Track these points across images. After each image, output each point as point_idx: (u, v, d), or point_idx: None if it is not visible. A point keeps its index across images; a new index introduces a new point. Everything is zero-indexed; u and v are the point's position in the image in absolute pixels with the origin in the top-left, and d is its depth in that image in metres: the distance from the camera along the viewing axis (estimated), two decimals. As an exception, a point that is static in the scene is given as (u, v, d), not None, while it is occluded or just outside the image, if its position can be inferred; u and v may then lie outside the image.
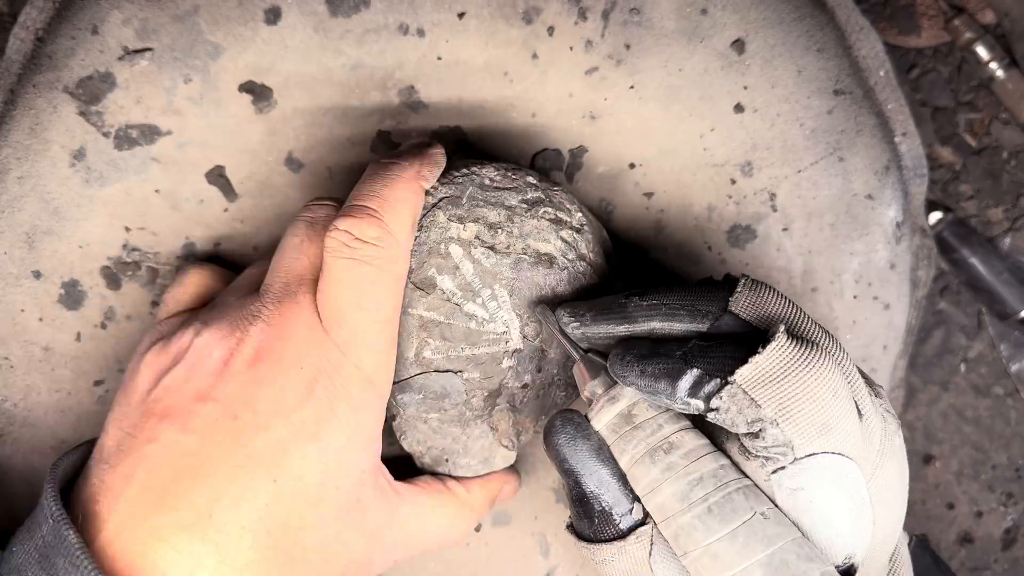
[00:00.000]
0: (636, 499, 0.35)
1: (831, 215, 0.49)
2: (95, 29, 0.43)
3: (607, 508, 0.35)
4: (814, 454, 0.31)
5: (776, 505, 0.32)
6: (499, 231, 0.39)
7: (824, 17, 0.48)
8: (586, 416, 0.36)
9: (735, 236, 0.49)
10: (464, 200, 0.40)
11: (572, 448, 0.35)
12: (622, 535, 0.35)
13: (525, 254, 0.40)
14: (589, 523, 0.36)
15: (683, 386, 0.32)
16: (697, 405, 0.32)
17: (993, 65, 0.59)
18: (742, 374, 0.31)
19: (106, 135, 0.44)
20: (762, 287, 0.35)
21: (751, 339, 0.32)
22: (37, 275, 0.45)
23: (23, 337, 0.45)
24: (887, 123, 0.50)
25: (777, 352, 0.31)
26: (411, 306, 0.39)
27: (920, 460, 0.64)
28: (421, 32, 0.44)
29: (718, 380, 0.32)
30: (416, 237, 0.39)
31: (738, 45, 0.47)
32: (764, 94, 0.47)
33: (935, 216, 0.60)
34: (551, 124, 0.46)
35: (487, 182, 0.40)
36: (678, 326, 0.35)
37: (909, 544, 0.41)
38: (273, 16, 0.43)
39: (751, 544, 0.31)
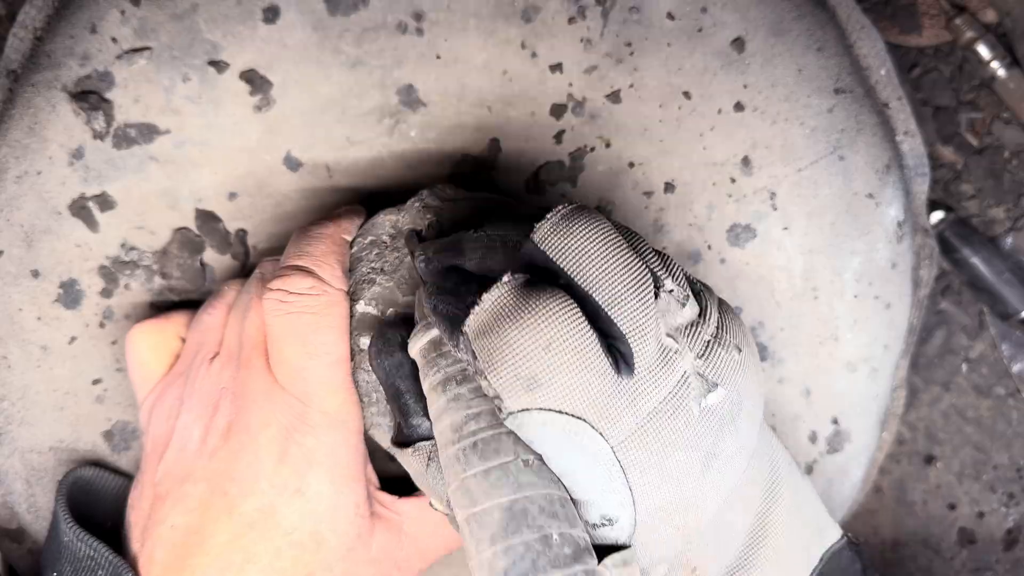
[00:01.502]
0: (426, 416, 0.35)
1: (832, 214, 0.49)
2: (93, 28, 0.43)
3: (400, 420, 0.37)
4: (526, 409, 0.30)
5: None
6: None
7: (825, 16, 0.48)
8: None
9: (735, 235, 0.49)
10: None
11: (385, 355, 0.37)
12: (407, 444, 0.36)
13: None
14: (395, 429, 0.38)
15: (446, 333, 0.32)
16: (456, 354, 0.32)
17: (995, 64, 0.58)
18: (468, 323, 0.30)
19: (105, 134, 0.43)
20: (575, 219, 0.31)
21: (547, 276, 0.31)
22: (35, 274, 0.45)
23: (21, 336, 0.45)
24: (888, 122, 0.49)
25: (493, 300, 0.30)
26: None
27: (921, 460, 0.64)
28: (420, 31, 0.44)
29: (459, 327, 0.31)
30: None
31: (738, 43, 0.46)
32: (764, 93, 0.47)
33: (936, 215, 0.60)
34: (550, 123, 0.46)
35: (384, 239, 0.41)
36: (494, 259, 0.33)
37: (833, 545, 0.39)
38: (272, 15, 0.43)
39: (499, 485, 0.30)
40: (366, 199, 0.46)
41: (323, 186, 0.46)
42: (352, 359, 0.39)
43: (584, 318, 0.29)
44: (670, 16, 0.45)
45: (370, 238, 0.41)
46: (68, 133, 0.43)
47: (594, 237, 0.30)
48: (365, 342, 0.39)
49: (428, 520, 0.41)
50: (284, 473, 0.37)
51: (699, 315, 0.32)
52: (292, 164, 0.45)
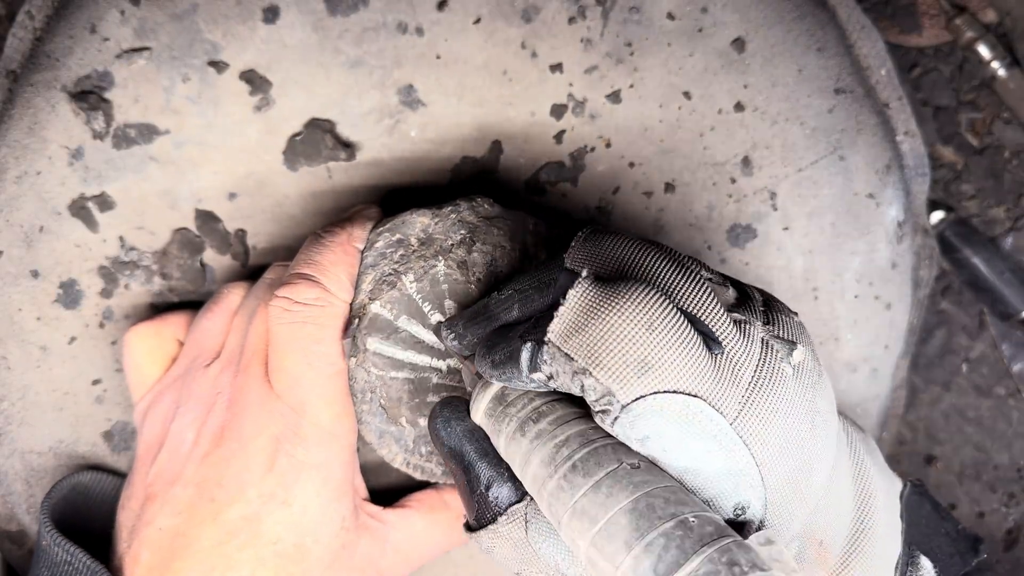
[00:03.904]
0: (512, 480, 0.33)
1: (832, 214, 0.49)
2: (93, 28, 0.43)
3: (482, 492, 0.33)
4: (642, 397, 0.28)
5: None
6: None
7: (825, 16, 0.47)
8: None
9: (735, 235, 0.49)
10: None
11: (447, 431, 0.35)
12: (493, 518, 0.33)
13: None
14: (472, 510, 0.34)
15: (523, 363, 0.30)
16: (539, 378, 0.30)
17: (995, 64, 0.58)
18: (552, 329, 0.29)
19: (104, 134, 0.43)
20: (599, 236, 0.32)
21: None
22: (35, 274, 0.45)
23: (21, 336, 0.45)
24: (888, 122, 0.49)
25: (578, 298, 0.29)
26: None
27: (922, 460, 0.64)
28: (420, 31, 0.44)
29: (540, 344, 0.30)
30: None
31: (738, 44, 0.46)
32: (764, 93, 0.47)
33: (937, 216, 0.60)
34: (550, 123, 0.46)
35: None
36: (534, 306, 0.33)
37: (903, 493, 0.38)
38: (272, 15, 0.43)
39: (615, 493, 0.28)
40: (364, 199, 0.46)
41: (323, 187, 0.46)
42: (355, 356, 0.39)
43: (670, 301, 0.29)
44: (670, 16, 0.45)
45: (397, 236, 0.40)
46: (68, 133, 0.43)
47: (623, 242, 0.32)
48: (372, 343, 0.39)
49: (413, 529, 0.41)
50: (272, 483, 0.37)
51: (737, 297, 0.33)
52: (292, 164, 0.45)
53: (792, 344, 0.31)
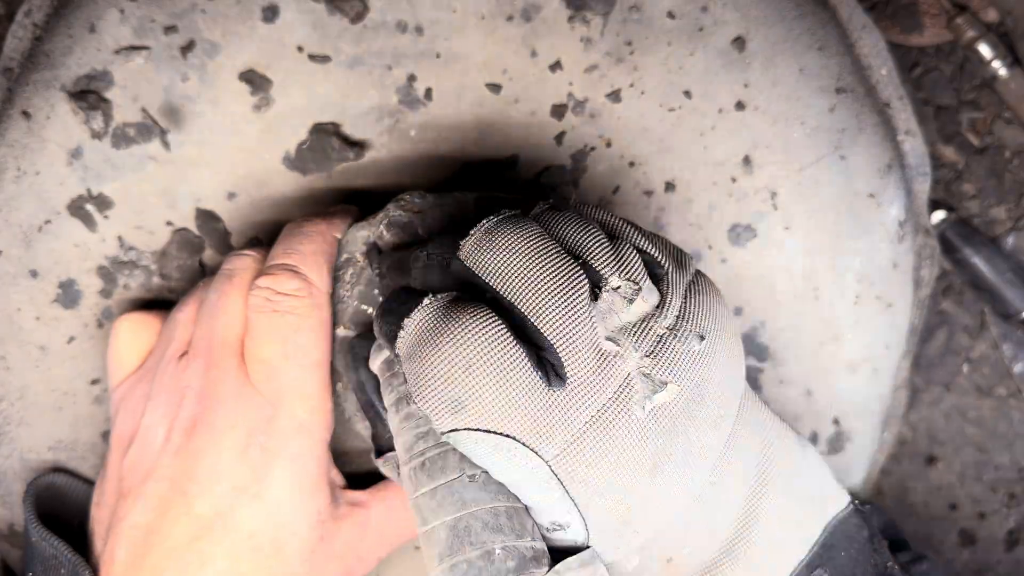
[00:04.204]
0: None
1: (833, 214, 0.49)
2: (92, 27, 0.42)
3: (374, 430, 0.38)
4: (455, 430, 0.29)
5: None
6: None
7: (826, 15, 0.47)
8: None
9: (736, 235, 0.49)
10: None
11: (350, 374, 0.38)
12: (379, 454, 0.38)
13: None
14: (371, 438, 0.39)
15: (384, 353, 0.33)
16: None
17: (996, 64, 0.58)
18: (398, 347, 0.30)
19: (103, 134, 0.43)
20: (500, 230, 0.31)
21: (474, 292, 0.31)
22: (34, 274, 0.45)
23: (19, 336, 0.45)
24: (889, 121, 0.49)
25: (415, 324, 0.30)
26: None
27: (923, 461, 0.64)
28: (419, 30, 0.44)
29: (393, 349, 0.31)
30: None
31: (739, 43, 0.46)
32: (765, 92, 0.47)
33: (938, 215, 0.60)
34: (550, 123, 0.46)
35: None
36: (435, 276, 0.33)
37: (838, 513, 0.37)
38: (271, 14, 0.43)
39: (445, 505, 0.30)
40: (364, 198, 0.46)
41: (322, 186, 0.46)
42: (340, 381, 0.41)
43: (509, 332, 0.29)
44: (670, 15, 0.45)
45: (344, 255, 0.41)
46: (67, 133, 0.43)
47: (518, 247, 0.30)
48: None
49: (392, 510, 0.42)
50: (245, 476, 0.37)
51: (657, 305, 0.31)
52: (291, 164, 0.45)
53: (662, 384, 0.30)
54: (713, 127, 0.47)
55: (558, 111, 0.46)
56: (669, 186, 0.48)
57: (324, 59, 0.44)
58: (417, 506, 0.31)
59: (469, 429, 0.29)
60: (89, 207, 0.44)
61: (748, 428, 0.35)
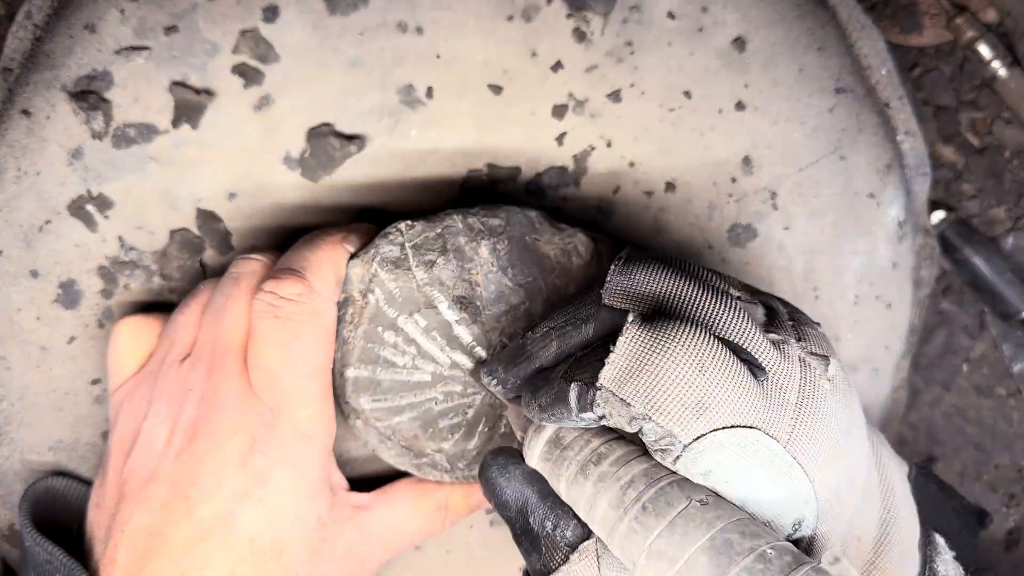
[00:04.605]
0: (577, 519, 0.32)
1: (832, 214, 0.49)
2: (93, 27, 0.43)
3: (549, 533, 0.33)
4: (702, 435, 0.29)
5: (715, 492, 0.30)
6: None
7: (825, 15, 0.47)
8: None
9: (736, 235, 0.49)
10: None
11: (505, 478, 0.34)
12: (567, 558, 0.32)
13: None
14: (537, 557, 0.33)
15: (572, 404, 0.31)
16: (591, 417, 0.31)
17: (995, 64, 0.58)
18: (604, 376, 0.30)
19: (104, 134, 0.43)
20: (631, 268, 0.33)
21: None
22: (34, 274, 0.45)
23: (20, 336, 0.45)
24: (889, 122, 0.49)
25: (628, 344, 0.30)
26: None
27: (922, 461, 0.64)
28: (420, 30, 0.44)
29: (591, 387, 0.30)
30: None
31: (739, 43, 0.46)
32: (765, 92, 0.47)
33: (937, 215, 0.60)
34: (551, 123, 0.46)
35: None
36: (571, 343, 0.34)
37: (909, 475, 0.39)
38: (271, 14, 0.43)
39: (690, 532, 0.29)
40: (364, 197, 0.46)
41: (323, 185, 0.46)
42: (359, 418, 0.41)
43: (713, 335, 0.30)
44: (671, 15, 0.45)
45: (343, 295, 0.41)
46: (67, 133, 0.43)
47: (653, 274, 0.33)
48: (365, 403, 0.40)
49: (395, 515, 0.42)
50: (246, 480, 0.37)
51: (764, 314, 0.33)
52: (291, 164, 0.45)
53: (825, 359, 0.32)
54: (713, 127, 0.47)
55: (558, 111, 0.46)
56: (669, 186, 0.48)
57: (324, 59, 0.44)
58: (657, 552, 0.29)
59: (716, 430, 0.29)
60: (90, 207, 0.44)
61: (867, 427, 0.37)
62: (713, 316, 0.31)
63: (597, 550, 0.32)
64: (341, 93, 0.44)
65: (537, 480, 0.34)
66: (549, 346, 0.34)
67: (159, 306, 0.46)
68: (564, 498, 0.33)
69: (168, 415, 0.38)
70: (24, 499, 0.43)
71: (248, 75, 0.43)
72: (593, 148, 0.47)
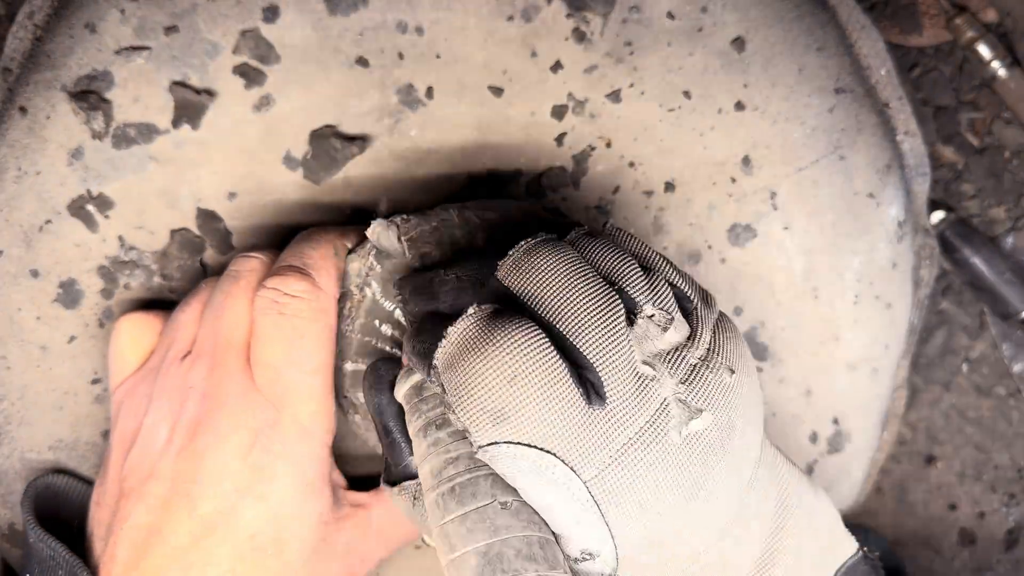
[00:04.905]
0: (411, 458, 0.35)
1: (832, 214, 0.49)
2: (93, 27, 0.43)
3: (391, 458, 0.36)
4: (495, 443, 0.29)
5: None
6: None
7: (825, 15, 0.47)
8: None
9: (735, 235, 0.49)
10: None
11: (377, 398, 0.36)
12: (394, 483, 0.36)
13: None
14: (385, 469, 0.37)
15: (423, 368, 0.31)
16: (436, 388, 0.31)
17: (995, 64, 0.58)
18: (437, 355, 0.30)
19: (104, 134, 0.43)
20: (539, 251, 0.31)
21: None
22: (35, 274, 0.45)
23: (20, 336, 0.45)
24: (888, 122, 0.49)
25: (460, 332, 0.30)
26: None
27: (922, 461, 0.64)
28: (420, 30, 0.44)
29: (431, 360, 0.31)
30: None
31: (738, 43, 0.46)
32: (764, 92, 0.47)
33: (937, 215, 0.60)
34: (550, 124, 0.46)
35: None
36: (465, 300, 0.33)
37: (847, 561, 0.37)
38: (271, 14, 0.43)
39: (476, 530, 0.29)
40: (364, 197, 0.46)
41: (323, 186, 0.46)
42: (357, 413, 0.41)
43: (552, 347, 0.29)
44: (670, 15, 0.45)
45: (341, 291, 0.41)
46: (67, 133, 0.43)
47: (557, 269, 0.30)
48: (360, 396, 0.40)
49: (393, 511, 0.42)
50: (248, 477, 0.37)
51: (688, 337, 0.32)
52: (292, 164, 0.45)
53: (698, 411, 0.30)
54: (713, 127, 0.47)
55: (558, 111, 0.46)
56: (669, 186, 0.48)
57: (324, 59, 0.44)
58: (445, 533, 0.30)
59: (510, 443, 0.29)
60: (90, 207, 0.44)
61: (767, 469, 0.35)
62: (575, 327, 0.29)
63: (415, 491, 0.35)
64: (341, 93, 0.44)
65: (396, 409, 0.36)
66: (448, 295, 0.33)
67: (160, 304, 0.46)
68: (412, 440, 0.34)
69: (169, 412, 0.38)
70: (26, 496, 0.43)
71: (249, 75, 0.43)
72: (593, 148, 0.47)
